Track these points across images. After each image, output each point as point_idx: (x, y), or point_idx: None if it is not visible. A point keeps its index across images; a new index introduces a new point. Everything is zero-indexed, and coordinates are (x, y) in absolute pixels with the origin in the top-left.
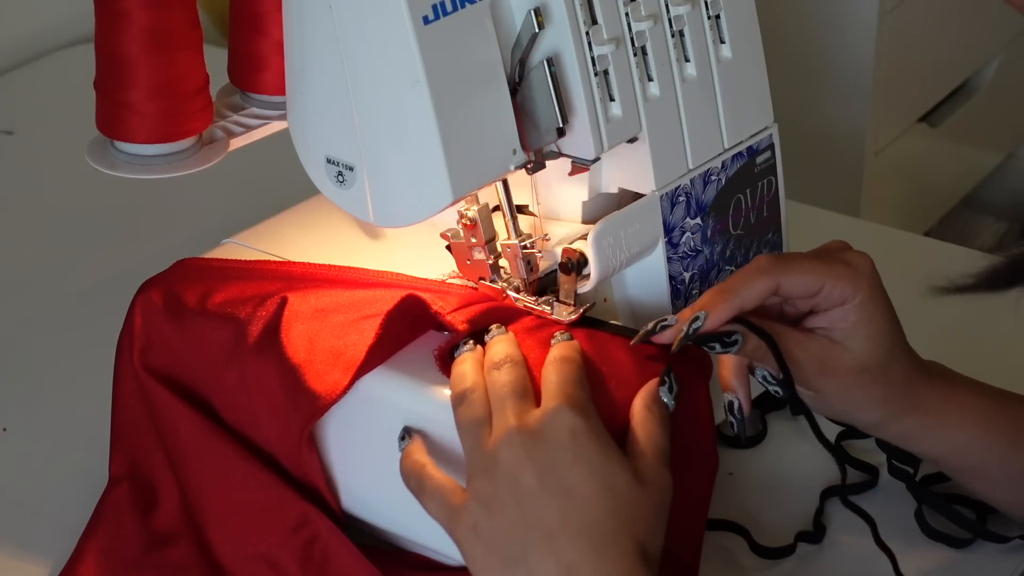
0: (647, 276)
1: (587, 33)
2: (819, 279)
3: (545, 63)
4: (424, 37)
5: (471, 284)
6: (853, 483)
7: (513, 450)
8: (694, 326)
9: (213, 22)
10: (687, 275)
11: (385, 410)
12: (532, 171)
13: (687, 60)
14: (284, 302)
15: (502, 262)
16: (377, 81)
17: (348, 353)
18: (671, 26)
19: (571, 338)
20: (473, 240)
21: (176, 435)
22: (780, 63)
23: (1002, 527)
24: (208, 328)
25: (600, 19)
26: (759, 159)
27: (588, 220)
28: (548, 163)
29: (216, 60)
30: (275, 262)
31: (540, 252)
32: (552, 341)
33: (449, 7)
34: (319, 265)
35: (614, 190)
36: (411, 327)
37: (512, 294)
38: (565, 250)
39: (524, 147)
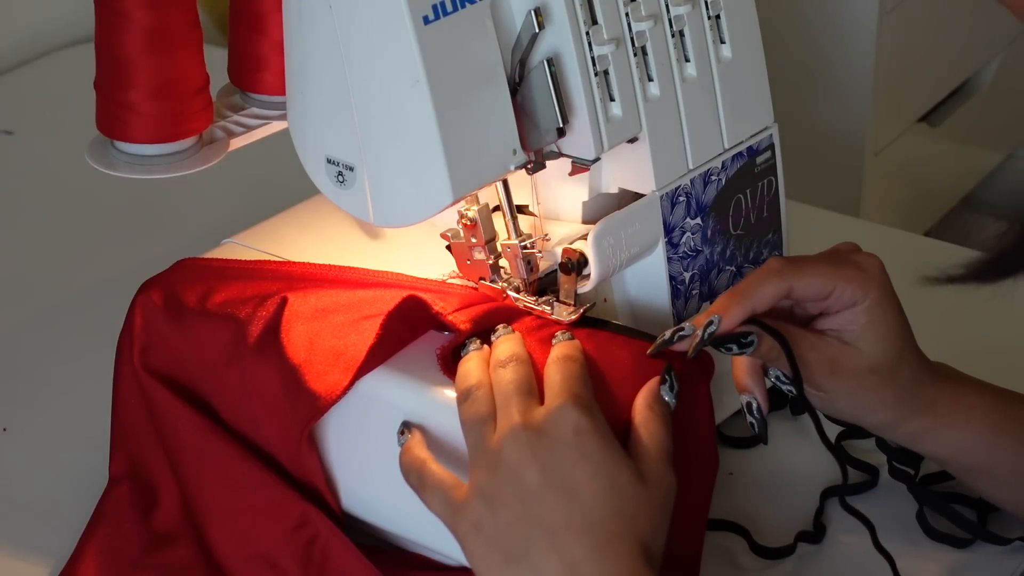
0: (647, 276)
1: (587, 33)
2: (830, 282)
3: (545, 63)
4: (424, 37)
5: (471, 284)
6: (853, 483)
7: (518, 447)
8: (708, 331)
9: (213, 22)
10: (687, 275)
11: (385, 410)
12: (532, 171)
13: (687, 60)
14: (284, 302)
15: (502, 262)
16: (377, 81)
17: (348, 353)
18: (671, 26)
19: (572, 337)
20: (473, 240)
21: (176, 435)
22: (780, 63)
23: (1002, 528)
24: (208, 328)
25: (600, 19)
26: (759, 159)
27: (588, 220)
28: (548, 163)
29: (216, 60)
30: (275, 262)
31: (540, 252)
32: (553, 340)
33: (449, 7)
34: (319, 265)
35: (614, 190)
36: (411, 327)
37: (512, 294)
38: (565, 250)
39: (524, 147)
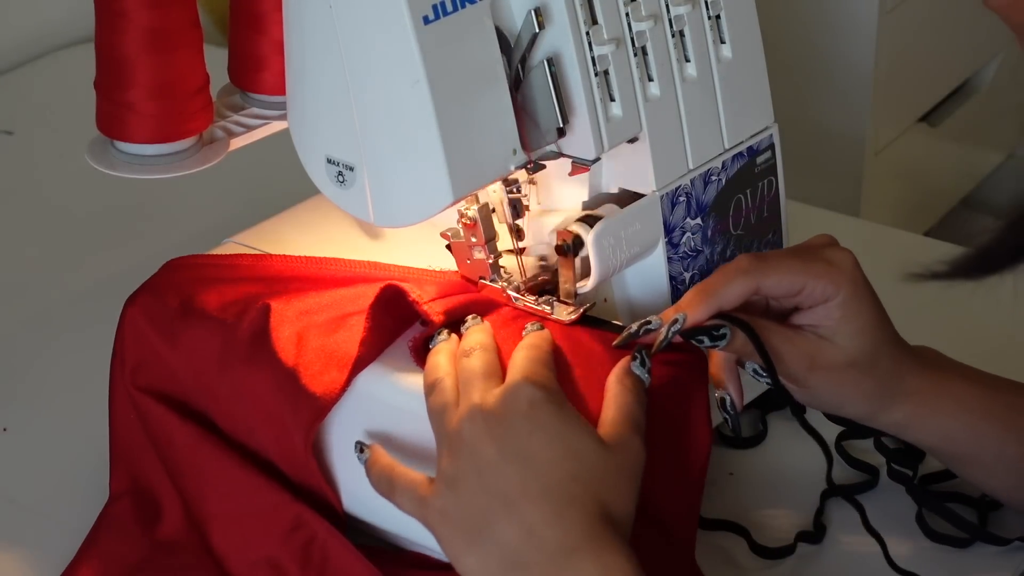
0: (647, 276)
1: (587, 33)
2: (800, 279)
3: (545, 63)
4: (424, 37)
5: (453, 271)
6: (853, 483)
7: (474, 426)
8: (673, 329)
9: (213, 22)
10: (687, 275)
11: (383, 410)
12: (532, 171)
13: (687, 60)
14: (267, 308)
15: (502, 262)
16: (377, 81)
17: (340, 350)
18: (671, 26)
19: (542, 328)
20: (473, 240)
21: (172, 448)
22: (780, 63)
23: (1002, 528)
24: (196, 339)
25: (600, 19)
26: (759, 159)
27: None
28: (548, 163)
29: (216, 60)
30: (251, 256)
31: (526, 196)
32: (524, 332)
33: (449, 7)
34: (298, 258)
35: (614, 190)
36: (397, 317)
37: (512, 294)
38: (560, 232)
39: (524, 147)
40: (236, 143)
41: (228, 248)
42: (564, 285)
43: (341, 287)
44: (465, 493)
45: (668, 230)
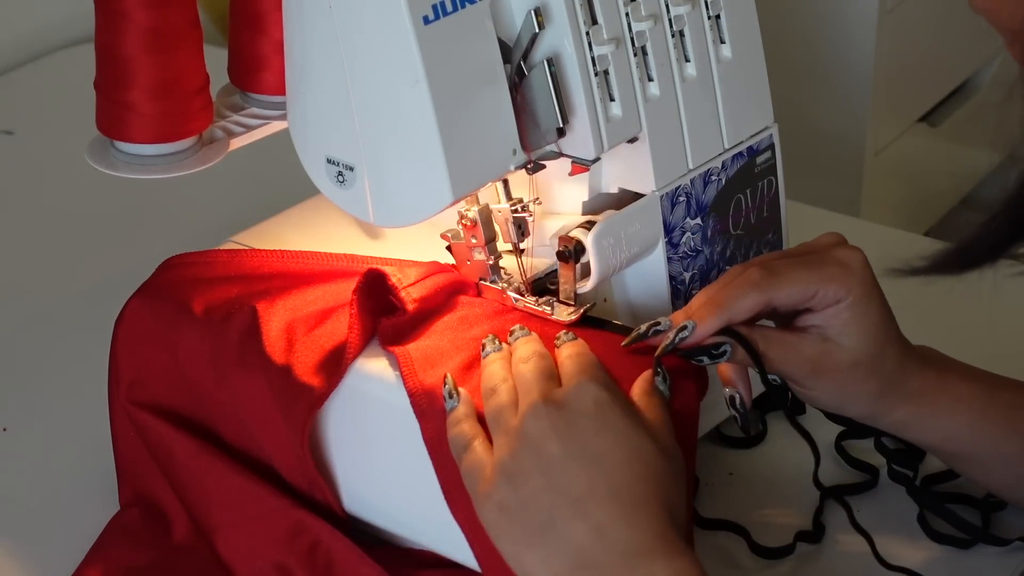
0: (647, 276)
1: (587, 33)
2: (811, 287)
3: (545, 63)
4: (424, 37)
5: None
6: (853, 483)
7: (538, 422)
8: (681, 335)
9: (213, 22)
10: (687, 275)
11: (381, 408)
12: (532, 171)
13: (687, 60)
14: (254, 311)
15: (502, 262)
16: (377, 81)
17: (330, 340)
18: (671, 26)
19: (575, 337)
20: (473, 240)
21: (172, 461)
22: (780, 63)
23: (1003, 529)
24: (188, 349)
25: (600, 19)
26: (759, 159)
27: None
28: (548, 163)
29: (216, 60)
30: (227, 252)
31: (531, 216)
32: (556, 342)
33: (449, 7)
34: (281, 253)
35: (614, 190)
36: (383, 302)
37: (513, 295)
38: (561, 238)
39: (524, 147)
40: (236, 143)
41: (228, 248)
42: (564, 286)
43: (324, 283)
44: (527, 489)
45: (668, 230)
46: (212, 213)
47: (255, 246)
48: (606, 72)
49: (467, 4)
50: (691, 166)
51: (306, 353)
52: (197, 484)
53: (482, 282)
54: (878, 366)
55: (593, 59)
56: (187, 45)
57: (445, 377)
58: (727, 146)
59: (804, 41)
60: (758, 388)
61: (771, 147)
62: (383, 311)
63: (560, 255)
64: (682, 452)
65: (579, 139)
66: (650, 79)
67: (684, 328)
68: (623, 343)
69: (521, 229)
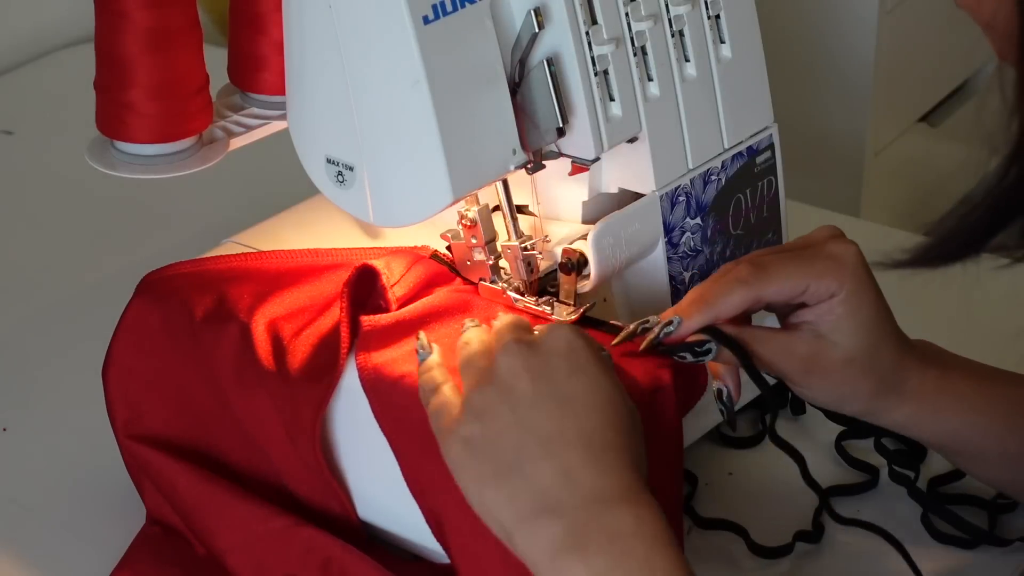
0: (647, 276)
1: (587, 33)
2: (802, 283)
3: (545, 63)
4: (424, 37)
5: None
6: (853, 484)
7: (509, 359)
8: (666, 330)
9: (213, 22)
10: (687, 275)
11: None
12: (532, 171)
13: (687, 60)
14: (244, 328)
15: (502, 263)
16: (377, 81)
17: (322, 339)
18: (671, 26)
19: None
20: (473, 240)
21: (175, 492)
22: (780, 63)
23: (1004, 529)
24: (186, 378)
25: (600, 19)
26: (759, 159)
27: (588, 220)
28: (548, 163)
29: (216, 60)
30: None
31: (540, 254)
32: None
33: (449, 7)
34: (263, 253)
35: (614, 190)
36: (370, 291)
37: (512, 295)
38: (565, 250)
39: (524, 147)
40: (236, 143)
41: (228, 248)
42: (564, 286)
43: (309, 280)
44: (495, 426)
45: (668, 230)
46: (212, 213)
47: (255, 246)
48: (606, 72)
49: (467, 4)
50: (691, 166)
51: (300, 357)
52: (202, 510)
53: (482, 282)
54: (873, 364)
55: (593, 59)
56: (187, 45)
57: (418, 334)
58: (727, 146)
59: (804, 41)
60: (749, 394)
61: (771, 147)
62: (372, 307)
63: (563, 267)
64: (669, 462)
65: (579, 139)
66: (650, 79)
67: (670, 323)
68: (612, 342)
69: (530, 266)
